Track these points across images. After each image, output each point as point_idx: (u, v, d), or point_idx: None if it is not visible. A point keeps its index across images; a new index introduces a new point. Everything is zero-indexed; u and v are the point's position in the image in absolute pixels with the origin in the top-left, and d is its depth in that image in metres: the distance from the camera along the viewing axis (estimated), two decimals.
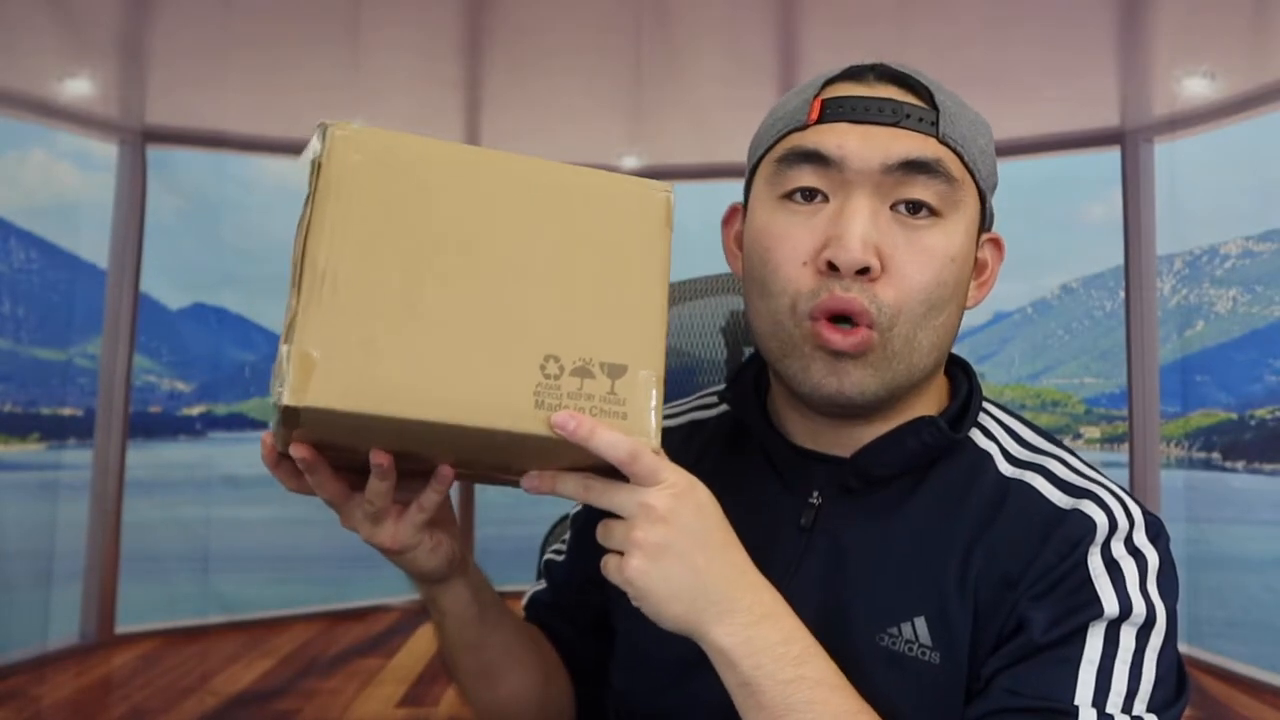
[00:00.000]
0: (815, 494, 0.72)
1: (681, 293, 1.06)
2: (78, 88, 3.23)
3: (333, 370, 0.52)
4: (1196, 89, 3.18)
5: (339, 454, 0.60)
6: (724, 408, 0.81)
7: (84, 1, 3.12)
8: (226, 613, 3.45)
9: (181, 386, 3.84)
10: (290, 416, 0.53)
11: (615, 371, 0.57)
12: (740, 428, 0.78)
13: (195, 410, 3.80)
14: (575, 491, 0.60)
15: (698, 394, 0.87)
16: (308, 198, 0.55)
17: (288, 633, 3.43)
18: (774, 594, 0.61)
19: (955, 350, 0.76)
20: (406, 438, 0.56)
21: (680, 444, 0.81)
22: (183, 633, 3.35)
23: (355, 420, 0.53)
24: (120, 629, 3.30)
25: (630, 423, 0.57)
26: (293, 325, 0.53)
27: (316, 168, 0.55)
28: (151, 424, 3.67)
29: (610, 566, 0.60)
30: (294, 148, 3.77)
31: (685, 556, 0.58)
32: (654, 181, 0.60)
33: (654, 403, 0.58)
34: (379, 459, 0.58)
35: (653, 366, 0.58)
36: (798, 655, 0.60)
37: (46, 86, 3.16)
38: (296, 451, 0.57)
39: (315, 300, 0.53)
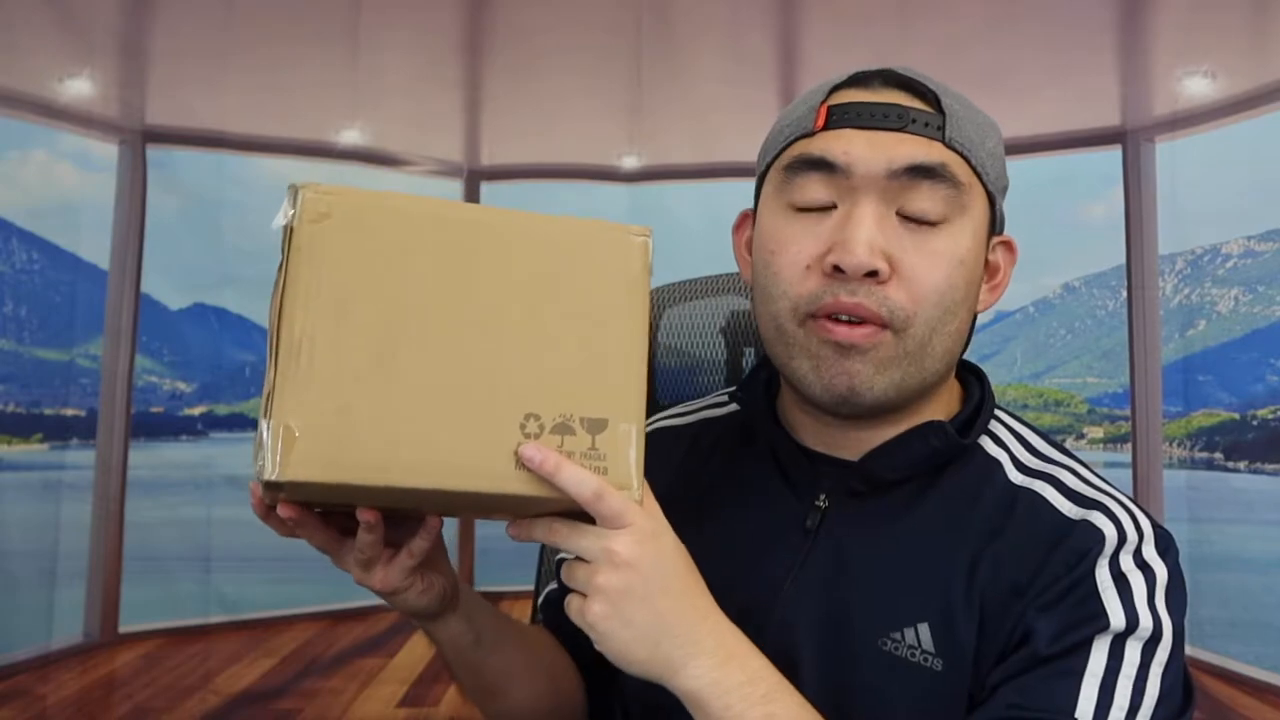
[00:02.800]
0: (822, 497, 0.72)
1: (682, 293, 1.06)
2: (78, 88, 3.23)
3: (313, 442, 0.52)
4: (1197, 89, 3.18)
5: (328, 504, 0.60)
6: (734, 407, 0.81)
7: (84, 1, 3.13)
8: (228, 612, 3.46)
9: (183, 387, 3.84)
10: (274, 488, 0.54)
11: (596, 426, 0.57)
12: (750, 428, 0.78)
13: (196, 410, 3.80)
14: (542, 535, 0.60)
15: (713, 394, 0.87)
16: (280, 263, 0.55)
17: (289, 632, 3.43)
18: (738, 635, 0.61)
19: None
20: (391, 499, 0.57)
21: (690, 443, 0.81)
22: (185, 632, 3.36)
23: (339, 488, 0.54)
24: (123, 628, 3.31)
25: (611, 477, 0.57)
26: (271, 398, 0.53)
27: (288, 232, 0.54)
28: (153, 424, 3.68)
29: (573, 608, 0.59)
30: (294, 148, 3.77)
31: (647, 601, 0.58)
32: (632, 226, 0.60)
33: (635, 456, 0.57)
34: (366, 515, 0.58)
35: (633, 419, 0.58)
36: (765, 693, 0.60)
37: (47, 87, 3.17)
38: (284, 512, 0.58)
39: (292, 372, 0.53)
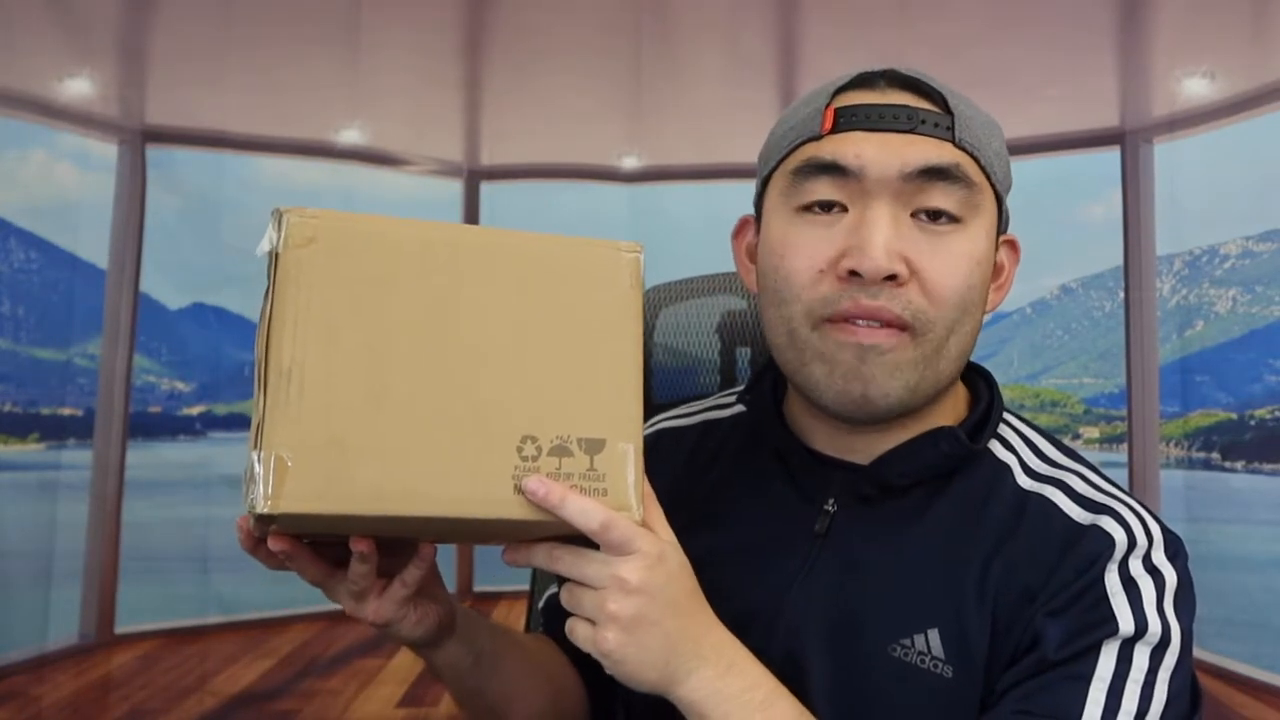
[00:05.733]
0: (831, 501, 0.71)
1: (676, 292, 1.06)
2: (78, 88, 3.23)
3: (306, 473, 0.51)
4: (1196, 89, 3.18)
5: (320, 535, 0.59)
6: (739, 408, 0.80)
7: (84, 1, 3.13)
8: (226, 613, 3.46)
9: (181, 386, 3.84)
10: (266, 520, 0.53)
11: (593, 447, 0.56)
12: (756, 430, 0.77)
13: (195, 410, 3.80)
14: (544, 562, 0.59)
15: (715, 395, 0.87)
16: (266, 290, 0.54)
17: (287, 633, 3.43)
18: (737, 646, 0.62)
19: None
20: (386, 527, 0.56)
21: (693, 444, 0.81)
22: (182, 633, 3.35)
23: (334, 519, 0.53)
24: (120, 629, 3.30)
25: (611, 498, 0.56)
26: (260, 429, 0.52)
27: (274, 258, 0.53)
28: (151, 424, 3.68)
29: (580, 634, 0.59)
30: (294, 148, 3.77)
31: (659, 625, 0.58)
32: (622, 242, 0.59)
33: (634, 475, 0.57)
34: (360, 546, 0.57)
35: (631, 438, 0.57)
36: (762, 700, 0.60)
37: (46, 86, 3.17)
38: (275, 545, 0.57)
39: (282, 401, 0.52)
